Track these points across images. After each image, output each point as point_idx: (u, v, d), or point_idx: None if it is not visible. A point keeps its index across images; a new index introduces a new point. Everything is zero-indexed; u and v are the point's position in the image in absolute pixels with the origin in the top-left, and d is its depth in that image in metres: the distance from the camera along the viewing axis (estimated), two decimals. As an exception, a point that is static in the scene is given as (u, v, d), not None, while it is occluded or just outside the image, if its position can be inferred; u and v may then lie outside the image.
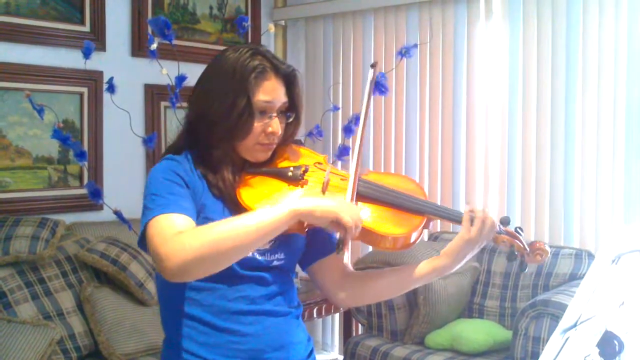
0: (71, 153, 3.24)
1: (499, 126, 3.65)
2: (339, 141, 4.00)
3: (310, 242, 1.61)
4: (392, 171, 4.00)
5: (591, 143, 3.33)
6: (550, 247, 3.30)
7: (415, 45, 3.21)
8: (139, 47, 3.69)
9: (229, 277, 1.46)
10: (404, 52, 3.09)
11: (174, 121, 2.75)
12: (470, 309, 3.45)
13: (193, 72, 1.61)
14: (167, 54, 2.94)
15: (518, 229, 1.56)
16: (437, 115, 3.86)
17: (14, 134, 3.30)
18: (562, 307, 2.74)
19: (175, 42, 2.81)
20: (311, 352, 1.62)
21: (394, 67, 3.65)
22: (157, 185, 1.44)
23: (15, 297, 2.84)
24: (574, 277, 3.17)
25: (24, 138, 3.34)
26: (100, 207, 3.27)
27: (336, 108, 3.80)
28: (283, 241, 1.53)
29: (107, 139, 3.59)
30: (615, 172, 3.28)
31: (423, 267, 1.55)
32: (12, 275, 2.88)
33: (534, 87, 3.50)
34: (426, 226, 1.56)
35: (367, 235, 1.49)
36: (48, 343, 2.69)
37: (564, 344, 1.12)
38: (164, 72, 2.87)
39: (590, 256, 3.22)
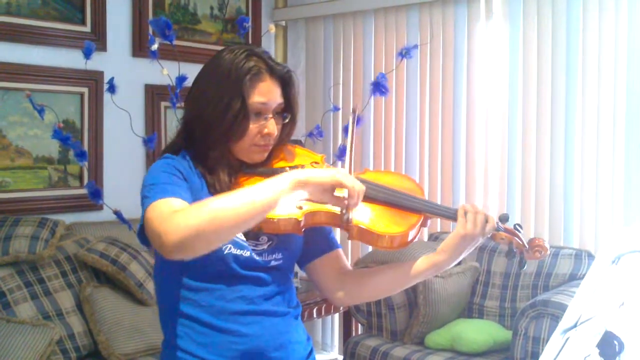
0: (71, 153, 3.25)
1: (499, 126, 3.65)
2: (339, 141, 4.01)
3: (307, 240, 1.61)
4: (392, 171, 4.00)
5: (591, 143, 3.33)
6: (550, 247, 3.30)
7: (416, 46, 3.21)
8: (139, 48, 3.69)
9: (227, 277, 1.47)
10: (404, 53, 3.09)
11: (174, 121, 2.75)
12: (470, 309, 3.45)
13: (193, 73, 1.61)
14: (167, 54, 2.95)
15: (517, 226, 1.56)
16: (437, 115, 3.86)
17: (14, 134, 3.31)
18: (562, 307, 2.74)
19: (175, 42, 2.81)
20: (311, 351, 1.62)
21: (394, 67, 3.65)
22: (155, 176, 1.44)
23: (14, 297, 2.84)
24: (574, 278, 3.17)
25: (24, 138, 3.34)
26: (100, 207, 3.28)
27: (336, 108, 3.80)
28: (280, 241, 1.53)
29: (107, 139, 3.60)
30: (615, 172, 3.28)
31: (421, 264, 1.56)
32: (11, 275, 2.88)
33: (534, 87, 3.50)
34: (424, 224, 1.56)
35: (364, 234, 1.49)
36: (47, 343, 2.69)
37: (564, 344, 1.12)
38: (165, 73, 2.87)
39: (590, 256, 3.22)
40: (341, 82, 4.26)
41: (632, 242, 1.24)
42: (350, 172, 1.48)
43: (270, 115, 1.52)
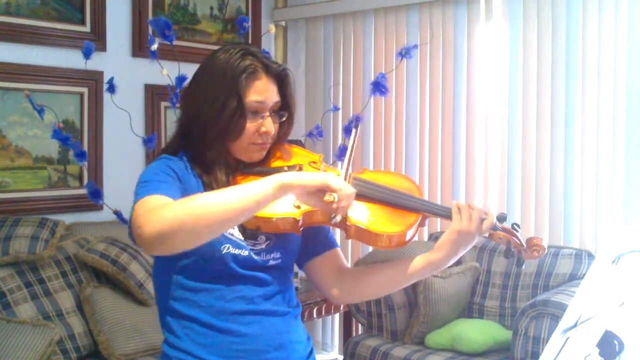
0: (71, 153, 3.25)
1: (499, 126, 3.65)
2: (339, 141, 4.01)
3: (306, 239, 1.60)
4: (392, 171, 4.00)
5: (591, 143, 3.33)
6: (550, 247, 3.31)
7: (416, 46, 3.21)
8: (139, 48, 3.69)
9: (226, 277, 1.47)
10: (404, 53, 3.09)
11: (174, 122, 2.75)
12: (470, 309, 3.45)
13: (193, 73, 1.61)
14: (167, 54, 2.95)
15: (515, 225, 1.56)
16: (437, 116, 3.86)
17: (14, 134, 3.31)
18: (562, 307, 2.74)
19: (175, 42, 2.81)
20: (311, 351, 1.62)
21: (394, 67, 3.65)
22: (149, 175, 1.44)
23: (14, 297, 2.84)
24: (574, 277, 3.17)
25: (24, 138, 3.34)
26: (100, 208, 3.28)
27: (336, 108, 3.80)
28: (279, 241, 1.53)
29: (107, 139, 3.59)
30: (615, 172, 3.28)
31: (418, 262, 1.56)
32: (11, 276, 2.88)
33: (534, 87, 3.50)
34: (422, 224, 1.56)
35: (362, 233, 1.49)
36: (47, 343, 2.69)
37: (564, 344, 1.12)
38: (165, 73, 2.87)
39: (590, 256, 3.22)
40: (341, 82, 4.26)
41: (632, 242, 1.24)
42: (346, 175, 1.48)
43: (267, 114, 1.52)
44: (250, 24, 3.03)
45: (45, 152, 3.41)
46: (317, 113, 4.23)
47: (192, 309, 1.48)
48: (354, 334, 3.82)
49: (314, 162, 1.60)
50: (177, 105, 2.92)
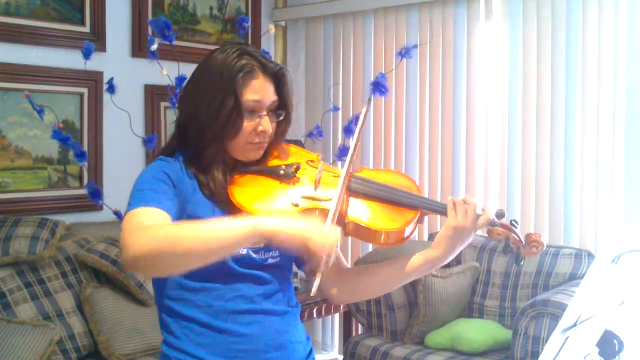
0: (71, 153, 3.25)
1: (498, 126, 3.65)
2: (339, 141, 4.01)
3: None
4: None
5: (591, 143, 3.33)
6: (550, 246, 3.31)
7: (415, 46, 3.21)
8: (139, 48, 3.69)
9: (225, 276, 1.47)
10: (404, 53, 3.10)
11: (173, 122, 2.76)
12: (470, 309, 3.45)
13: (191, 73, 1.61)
14: (167, 54, 2.95)
15: (513, 222, 1.56)
16: (437, 115, 3.86)
17: (14, 134, 3.31)
18: (562, 307, 2.74)
19: (175, 42, 2.81)
20: (310, 351, 1.62)
21: (394, 67, 3.65)
22: (143, 182, 1.44)
23: (14, 297, 2.84)
24: (574, 277, 3.17)
25: (24, 138, 3.34)
26: (100, 208, 3.28)
27: (336, 108, 3.81)
28: None
29: (107, 140, 3.59)
30: (615, 172, 3.28)
31: (416, 260, 1.56)
32: (11, 276, 2.89)
33: (534, 87, 3.50)
34: (420, 221, 1.56)
35: (360, 230, 1.50)
36: (47, 343, 2.69)
37: (563, 344, 1.12)
38: (164, 73, 2.87)
39: (590, 256, 3.22)
40: (341, 82, 4.26)
41: (632, 242, 1.24)
42: (334, 218, 1.43)
43: (265, 113, 1.52)
44: (249, 24, 3.03)
45: (45, 152, 3.41)
46: (317, 113, 4.23)
47: (191, 309, 1.48)
48: (353, 334, 3.82)
49: (311, 161, 1.60)
50: (177, 105, 2.93)
